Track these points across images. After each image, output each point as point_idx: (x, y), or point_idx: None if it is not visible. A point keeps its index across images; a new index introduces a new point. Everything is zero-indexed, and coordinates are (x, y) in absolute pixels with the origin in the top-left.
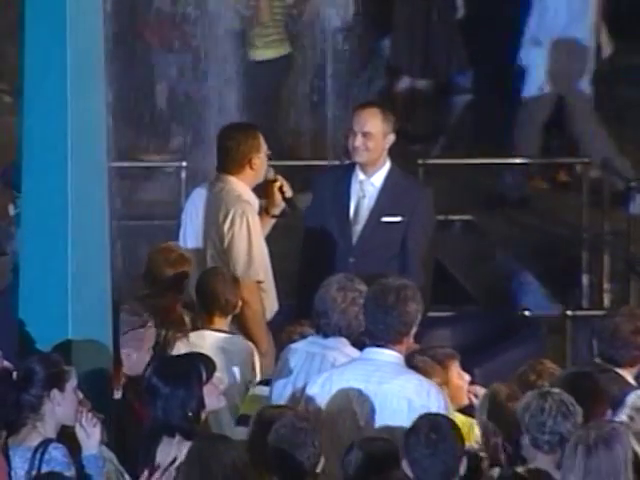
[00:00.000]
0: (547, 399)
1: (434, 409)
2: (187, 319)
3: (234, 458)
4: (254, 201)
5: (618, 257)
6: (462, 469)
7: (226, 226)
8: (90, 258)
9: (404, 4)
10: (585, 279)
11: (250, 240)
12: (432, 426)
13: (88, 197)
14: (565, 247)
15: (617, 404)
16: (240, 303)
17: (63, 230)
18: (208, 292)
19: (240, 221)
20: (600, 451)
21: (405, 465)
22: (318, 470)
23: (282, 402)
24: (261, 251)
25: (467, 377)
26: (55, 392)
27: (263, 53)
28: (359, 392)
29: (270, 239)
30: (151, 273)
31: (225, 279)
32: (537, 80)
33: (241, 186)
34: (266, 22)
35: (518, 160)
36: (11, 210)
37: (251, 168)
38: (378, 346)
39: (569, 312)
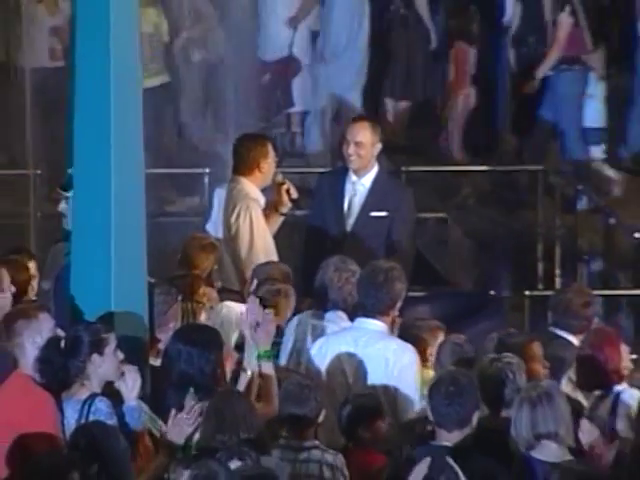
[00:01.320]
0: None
1: (406, 364)
2: (214, 295)
3: (246, 410)
4: (260, 199)
5: (567, 248)
6: (474, 420)
7: (233, 218)
8: (129, 245)
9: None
10: (540, 266)
11: (252, 230)
12: (452, 381)
13: (128, 197)
14: (524, 239)
15: (567, 365)
16: None
17: (107, 224)
18: None
19: (244, 214)
20: (544, 405)
21: (428, 410)
22: (319, 420)
23: (288, 363)
24: (262, 239)
25: None
26: (95, 356)
27: (146, 82)
28: (348, 354)
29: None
30: (187, 256)
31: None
32: None
33: (250, 186)
34: (147, 55)
35: (484, 168)
36: (60, 206)
37: (260, 171)
38: (367, 317)
39: (527, 292)
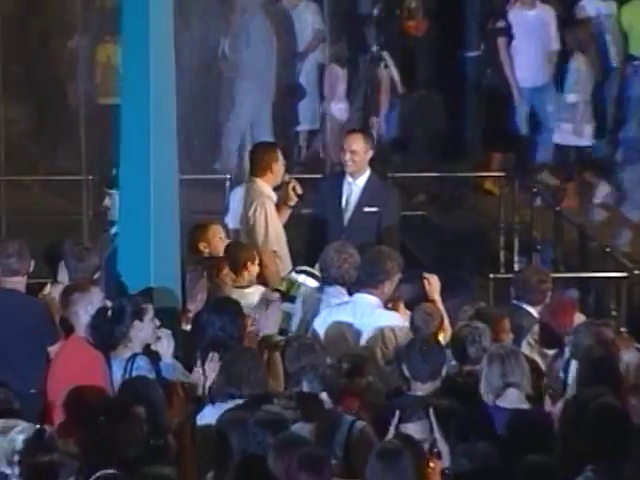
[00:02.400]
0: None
1: (400, 336)
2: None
3: (251, 366)
4: (273, 196)
5: (524, 239)
6: (443, 371)
7: (250, 212)
8: (165, 233)
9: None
10: (502, 254)
11: (266, 222)
12: (424, 341)
13: (164, 196)
14: (488, 232)
15: (526, 331)
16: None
17: (146, 215)
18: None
19: (260, 209)
20: (512, 360)
21: (404, 367)
22: None
23: (298, 331)
24: (275, 230)
25: None
26: (137, 322)
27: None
28: (348, 324)
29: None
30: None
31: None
32: None
33: (264, 185)
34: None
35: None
36: (106, 201)
37: (271, 172)
38: (364, 292)
39: (491, 275)
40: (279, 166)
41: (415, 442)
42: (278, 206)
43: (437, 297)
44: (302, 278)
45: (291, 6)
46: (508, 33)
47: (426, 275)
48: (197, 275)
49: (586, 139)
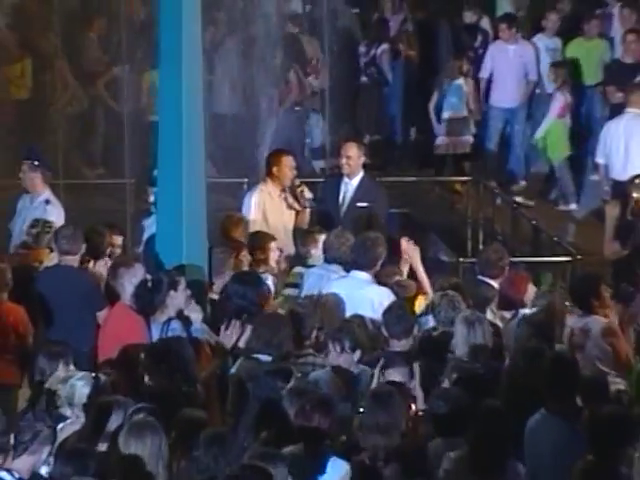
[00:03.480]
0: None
1: (384, 302)
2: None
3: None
4: (275, 194)
5: (487, 231)
6: (415, 330)
7: (256, 205)
8: (194, 221)
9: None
10: (469, 243)
11: (265, 215)
12: (399, 305)
13: (193, 193)
14: (457, 226)
15: (489, 300)
16: None
17: (179, 208)
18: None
19: (259, 203)
20: (476, 325)
21: (383, 329)
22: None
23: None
24: (274, 220)
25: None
26: (172, 292)
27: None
28: (345, 295)
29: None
30: (224, 227)
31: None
32: None
33: (270, 185)
34: None
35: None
36: (150, 197)
37: (277, 174)
38: (358, 270)
39: (461, 259)
40: (281, 169)
41: (401, 386)
42: (295, 208)
43: (419, 266)
44: (299, 269)
45: None
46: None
47: (404, 246)
48: (226, 256)
49: None
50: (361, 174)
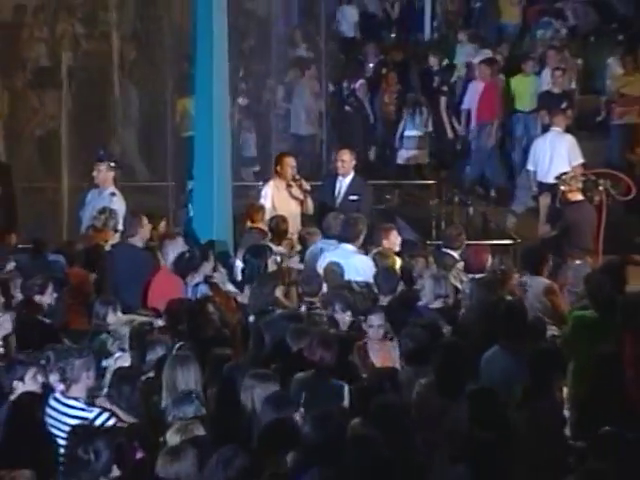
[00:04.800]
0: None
1: (366, 268)
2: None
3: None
4: (282, 187)
5: (448, 223)
6: (398, 287)
7: (269, 195)
8: (222, 209)
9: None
10: (434, 231)
11: (274, 204)
12: (387, 269)
13: (222, 189)
14: (426, 219)
15: (450, 266)
16: None
17: (210, 198)
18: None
19: (270, 195)
20: (441, 280)
21: (373, 287)
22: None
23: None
24: (281, 208)
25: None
26: (205, 262)
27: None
28: (338, 262)
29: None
30: (248, 213)
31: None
32: None
33: (277, 180)
34: None
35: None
36: (189, 186)
37: (281, 170)
38: (346, 242)
39: (428, 242)
40: (284, 167)
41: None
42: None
43: (397, 247)
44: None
45: None
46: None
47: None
48: (259, 236)
49: None
50: (352, 174)
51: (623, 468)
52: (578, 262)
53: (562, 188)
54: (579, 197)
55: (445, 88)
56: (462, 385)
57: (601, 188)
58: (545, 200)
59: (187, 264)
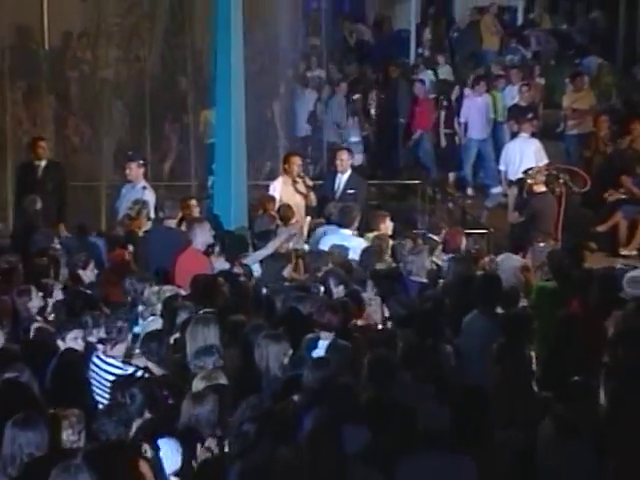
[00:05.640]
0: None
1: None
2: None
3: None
4: (288, 182)
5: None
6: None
7: (277, 189)
8: (239, 199)
9: None
10: (419, 222)
11: (282, 197)
12: (369, 249)
13: (238, 184)
14: (410, 213)
15: (433, 249)
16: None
17: (228, 191)
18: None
19: (279, 189)
20: (424, 252)
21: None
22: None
23: (311, 247)
24: (288, 200)
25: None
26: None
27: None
28: (338, 245)
29: None
30: (260, 202)
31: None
32: None
33: (285, 177)
34: None
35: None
36: (210, 182)
37: (289, 168)
38: (344, 228)
39: (414, 231)
40: (292, 165)
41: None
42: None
43: (390, 231)
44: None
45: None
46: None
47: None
48: (270, 220)
49: None
50: (350, 171)
51: (585, 410)
52: (542, 244)
53: (528, 181)
54: (543, 189)
55: (445, 103)
56: (436, 343)
57: (561, 181)
58: (513, 191)
59: (213, 244)
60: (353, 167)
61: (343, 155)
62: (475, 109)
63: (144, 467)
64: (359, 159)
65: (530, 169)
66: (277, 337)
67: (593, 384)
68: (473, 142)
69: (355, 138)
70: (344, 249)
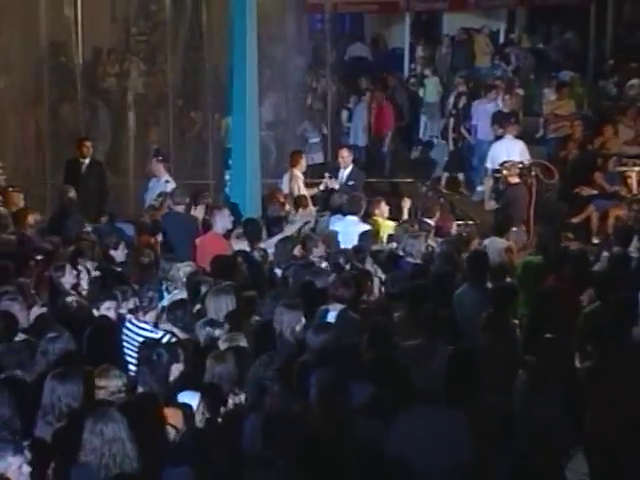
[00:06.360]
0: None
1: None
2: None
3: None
4: (301, 177)
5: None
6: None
7: (292, 183)
8: (253, 192)
9: None
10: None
11: (292, 189)
12: (367, 232)
13: (253, 179)
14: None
15: (428, 232)
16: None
17: (243, 184)
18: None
19: (293, 182)
20: (422, 238)
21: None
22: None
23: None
24: (302, 190)
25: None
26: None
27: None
28: (342, 231)
29: None
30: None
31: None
32: None
33: (296, 171)
34: None
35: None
36: (226, 176)
37: (298, 164)
38: (350, 215)
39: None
40: (301, 161)
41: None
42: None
43: (386, 214)
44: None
45: None
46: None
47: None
48: (276, 207)
49: None
50: (351, 166)
51: (555, 363)
52: (515, 229)
53: (504, 172)
54: (517, 180)
55: (454, 111)
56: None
57: (533, 174)
58: (489, 182)
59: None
60: (354, 161)
61: (344, 152)
62: (485, 114)
63: (175, 417)
64: (318, 157)
65: (506, 162)
66: (292, 306)
67: (564, 342)
68: (484, 143)
69: (315, 139)
70: (335, 233)
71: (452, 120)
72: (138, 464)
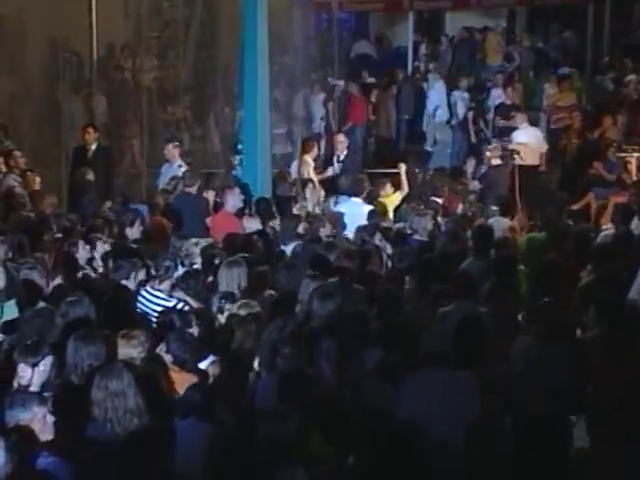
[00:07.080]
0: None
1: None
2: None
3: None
4: (311, 163)
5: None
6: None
7: (302, 168)
8: (264, 177)
9: None
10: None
11: (302, 173)
12: (373, 212)
13: (263, 166)
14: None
15: (437, 211)
16: None
17: (255, 169)
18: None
19: (304, 167)
20: (428, 216)
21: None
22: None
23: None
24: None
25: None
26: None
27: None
28: (348, 212)
29: None
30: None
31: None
32: None
33: (308, 157)
34: None
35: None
36: (235, 161)
37: (310, 151)
38: (354, 197)
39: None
40: (312, 147)
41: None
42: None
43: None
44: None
45: None
46: None
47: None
48: (286, 185)
49: None
50: (346, 151)
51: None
52: (494, 208)
53: (487, 154)
54: (498, 162)
55: (473, 104)
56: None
57: (515, 156)
58: (471, 163)
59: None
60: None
61: (340, 137)
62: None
63: (182, 379)
64: (284, 148)
65: (490, 144)
66: (316, 277)
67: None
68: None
69: (280, 130)
70: (341, 214)
71: (471, 113)
72: (142, 419)
